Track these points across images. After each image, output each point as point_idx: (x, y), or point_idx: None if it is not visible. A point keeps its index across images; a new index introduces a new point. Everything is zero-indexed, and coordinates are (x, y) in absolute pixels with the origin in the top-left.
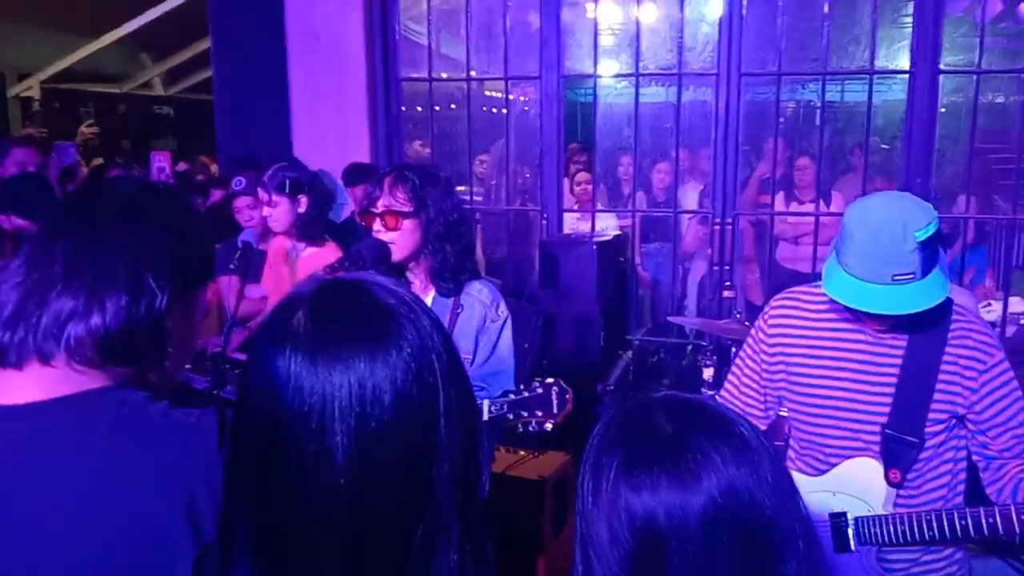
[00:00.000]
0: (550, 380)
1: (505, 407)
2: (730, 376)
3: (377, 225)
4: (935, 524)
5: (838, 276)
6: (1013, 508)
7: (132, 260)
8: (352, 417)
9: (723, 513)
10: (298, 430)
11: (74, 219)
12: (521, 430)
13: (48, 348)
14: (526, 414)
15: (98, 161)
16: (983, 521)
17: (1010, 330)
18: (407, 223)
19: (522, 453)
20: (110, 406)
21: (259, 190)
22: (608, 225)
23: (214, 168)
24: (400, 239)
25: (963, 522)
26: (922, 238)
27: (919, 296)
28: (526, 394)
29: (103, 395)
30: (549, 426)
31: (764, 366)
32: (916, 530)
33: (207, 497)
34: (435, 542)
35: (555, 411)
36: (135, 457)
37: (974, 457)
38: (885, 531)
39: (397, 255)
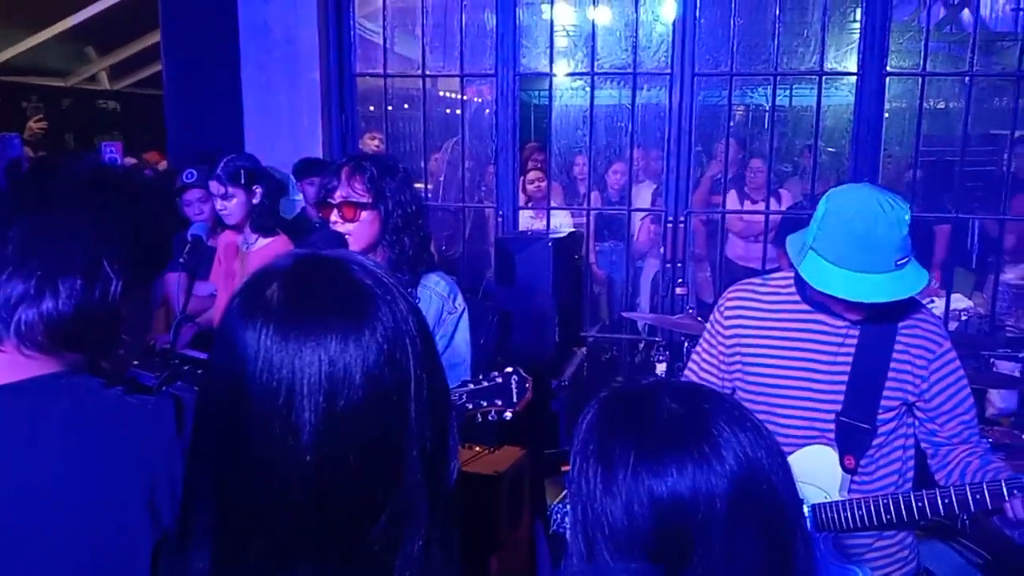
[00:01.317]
0: (509, 369)
1: (464, 396)
2: (688, 369)
3: (334, 216)
4: (892, 508)
5: (830, 273)
6: (968, 488)
7: (88, 244)
8: (321, 395)
9: (746, 493)
10: (265, 405)
11: (30, 201)
12: (480, 420)
13: None
14: (485, 403)
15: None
16: (939, 502)
17: (952, 325)
18: (365, 214)
19: (477, 449)
20: (64, 392)
21: (212, 183)
22: (563, 223)
23: (162, 164)
24: (358, 230)
25: (919, 504)
26: (909, 220)
27: (918, 276)
28: (485, 383)
29: (56, 381)
30: (509, 415)
31: (721, 357)
32: (873, 514)
33: (165, 483)
34: (401, 528)
35: (515, 400)
36: (91, 443)
37: (922, 444)
38: (842, 517)
39: (354, 246)
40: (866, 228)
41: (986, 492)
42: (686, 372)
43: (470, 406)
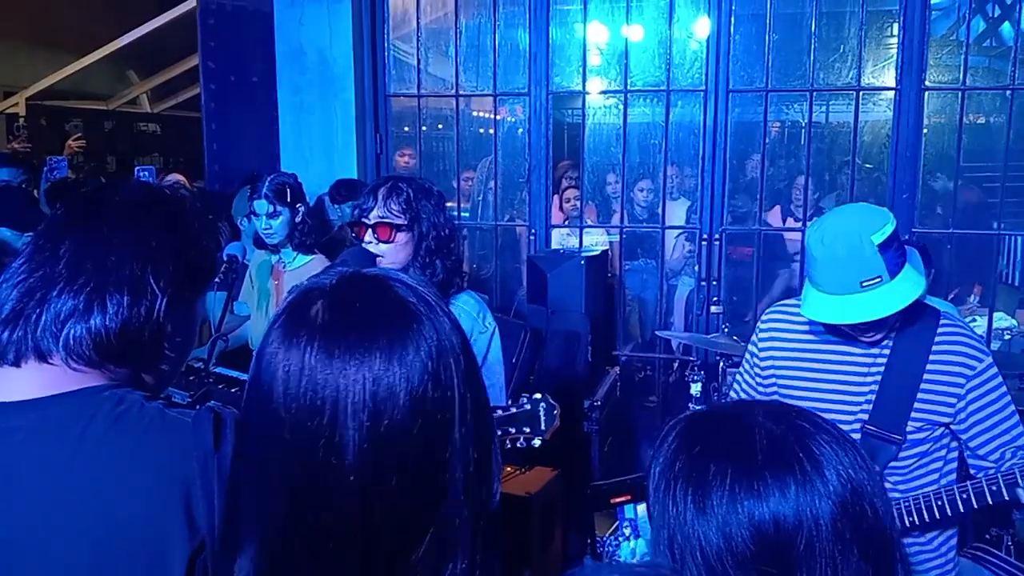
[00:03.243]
0: (538, 396)
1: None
2: (734, 387)
3: (368, 236)
4: (913, 510)
5: (812, 296)
6: (984, 481)
7: (136, 262)
8: (365, 414)
9: (850, 514)
10: (308, 424)
11: (81, 219)
12: (509, 446)
13: (46, 346)
14: (514, 430)
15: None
16: (957, 498)
17: (995, 345)
18: (400, 235)
19: (509, 469)
20: (107, 403)
21: (258, 202)
22: (598, 241)
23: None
24: (392, 252)
25: (939, 502)
26: (879, 240)
27: (893, 297)
28: (514, 410)
29: (100, 392)
30: (537, 442)
31: (759, 379)
32: (896, 517)
33: (203, 496)
34: (445, 549)
35: (543, 427)
36: (132, 454)
37: (972, 471)
38: None
39: (386, 266)
40: (825, 251)
41: (1001, 482)
42: (731, 394)
43: (499, 432)
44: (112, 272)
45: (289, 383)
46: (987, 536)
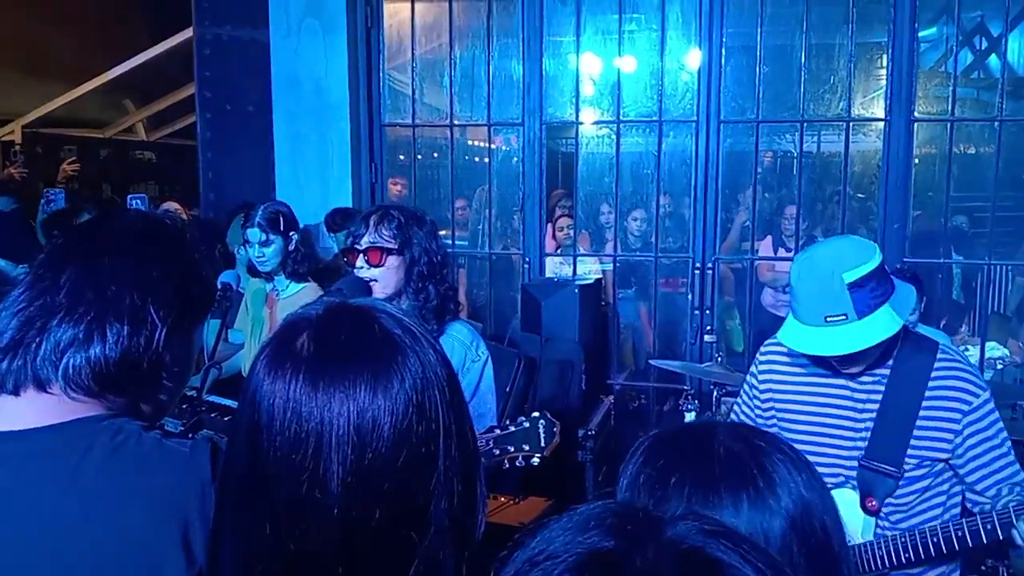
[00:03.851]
0: (536, 414)
1: (491, 443)
2: (731, 417)
3: (360, 262)
4: (909, 546)
5: (788, 322)
6: (979, 518)
7: (137, 292)
8: (349, 446)
9: (799, 531)
10: (292, 456)
11: (81, 248)
12: (508, 466)
13: (46, 375)
14: (512, 449)
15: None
16: (953, 536)
17: (987, 374)
18: (391, 259)
19: (502, 499)
20: (105, 433)
21: (251, 230)
22: (591, 270)
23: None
24: (384, 276)
25: (935, 539)
26: (851, 279)
27: (854, 337)
28: (512, 428)
29: (98, 422)
30: (536, 460)
31: (759, 410)
32: (893, 554)
33: (200, 525)
34: None
35: (542, 444)
36: (129, 483)
37: (969, 505)
38: (865, 559)
39: (380, 293)
40: (799, 282)
41: (996, 520)
42: (731, 420)
43: (497, 452)
44: (112, 302)
45: (274, 415)
46: (982, 568)
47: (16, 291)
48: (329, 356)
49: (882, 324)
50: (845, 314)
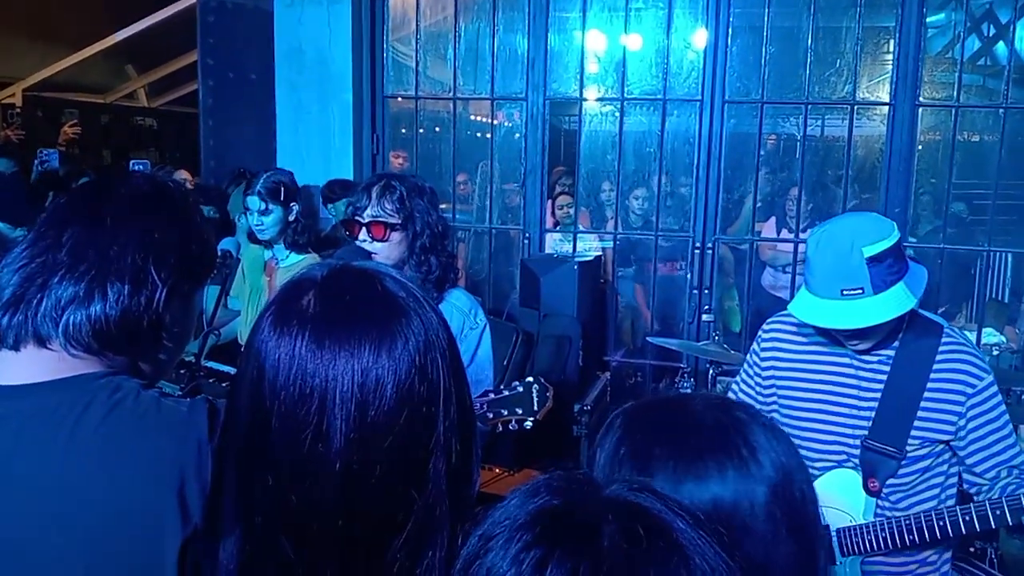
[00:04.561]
0: (530, 379)
1: (485, 406)
2: (729, 395)
3: (363, 235)
4: (914, 528)
5: (800, 294)
6: (988, 504)
7: (139, 252)
8: (352, 403)
9: (782, 498)
10: (297, 412)
11: (85, 208)
12: (501, 430)
13: (46, 331)
14: (506, 412)
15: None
16: (960, 520)
17: None
18: (395, 234)
19: (497, 471)
20: (103, 390)
21: (251, 197)
22: (591, 247)
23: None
24: (386, 249)
25: (940, 523)
26: (870, 253)
27: (870, 312)
28: (506, 392)
29: (97, 379)
30: (530, 423)
31: (759, 388)
32: (896, 536)
33: (196, 484)
34: (424, 537)
35: (536, 408)
36: (127, 440)
37: (965, 486)
38: (866, 539)
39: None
40: (817, 254)
41: (1005, 507)
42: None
43: (491, 415)
44: (114, 261)
45: (279, 371)
46: (972, 549)
47: (18, 248)
48: (335, 315)
49: (897, 300)
50: (862, 288)
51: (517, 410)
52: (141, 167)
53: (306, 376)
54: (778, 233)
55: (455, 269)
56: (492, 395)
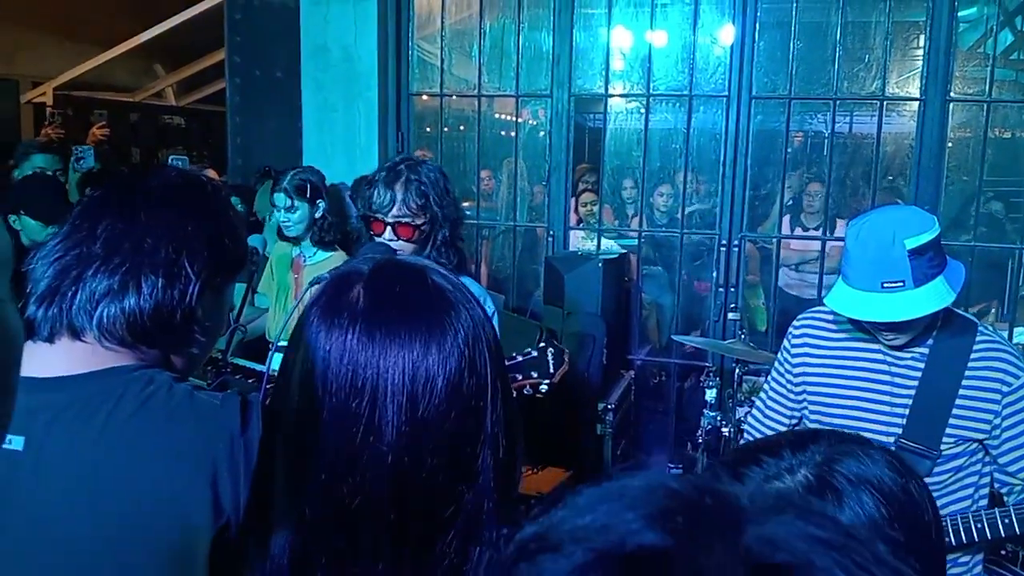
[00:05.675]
0: (543, 344)
1: None
2: (760, 395)
3: (388, 234)
4: (950, 529)
5: (837, 287)
6: (1012, 510)
7: (172, 245)
8: (404, 395)
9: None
10: (348, 405)
11: (119, 201)
12: (515, 394)
13: (80, 324)
14: (520, 377)
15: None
16: (999, 522)
17: None
18: (419, 234)
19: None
20: (136, 383)
21: (278, 194)
22: (613, 245)
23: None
24: (409, 246)
25: (966, 526)
26: (912, 246)
27: (910, 305)
28: (519, 358)
29: (130, 372)
30: (544, 387)
31: (790, 386)
32: None
33: (228, 477)
34: (472, 530)
35: (551, 371)
36: (160, 433)
37: (996, 485)
38: None
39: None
40: (857, 246)
41: None
42: (759, 396)
43: None
44: (148, 254)
45: (330, 364)
46: (1003, 551)
47: (52, 240)
48: (385, 309)
49: (938, 294)
50: (903, 281)
51: (532, 373)
52: (180, 163)
53: (357, 369)
54: (791, 231)
55: (465, 257)
56: (507, 361)
